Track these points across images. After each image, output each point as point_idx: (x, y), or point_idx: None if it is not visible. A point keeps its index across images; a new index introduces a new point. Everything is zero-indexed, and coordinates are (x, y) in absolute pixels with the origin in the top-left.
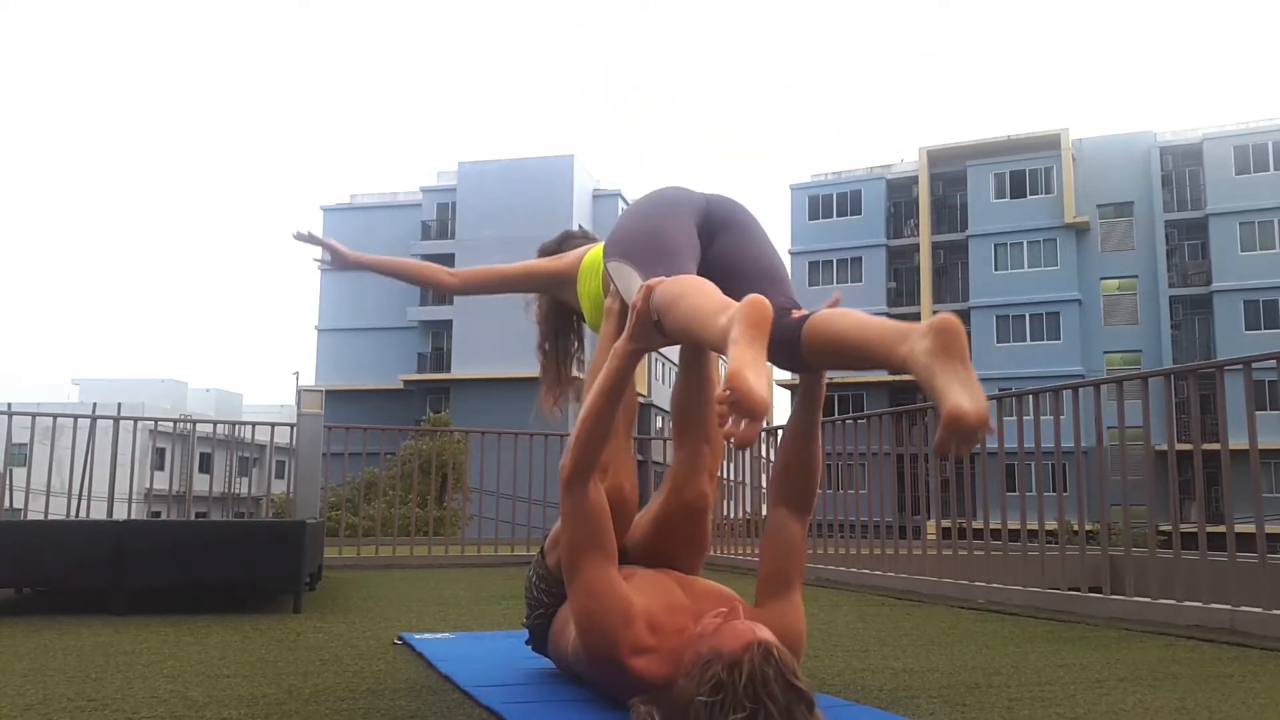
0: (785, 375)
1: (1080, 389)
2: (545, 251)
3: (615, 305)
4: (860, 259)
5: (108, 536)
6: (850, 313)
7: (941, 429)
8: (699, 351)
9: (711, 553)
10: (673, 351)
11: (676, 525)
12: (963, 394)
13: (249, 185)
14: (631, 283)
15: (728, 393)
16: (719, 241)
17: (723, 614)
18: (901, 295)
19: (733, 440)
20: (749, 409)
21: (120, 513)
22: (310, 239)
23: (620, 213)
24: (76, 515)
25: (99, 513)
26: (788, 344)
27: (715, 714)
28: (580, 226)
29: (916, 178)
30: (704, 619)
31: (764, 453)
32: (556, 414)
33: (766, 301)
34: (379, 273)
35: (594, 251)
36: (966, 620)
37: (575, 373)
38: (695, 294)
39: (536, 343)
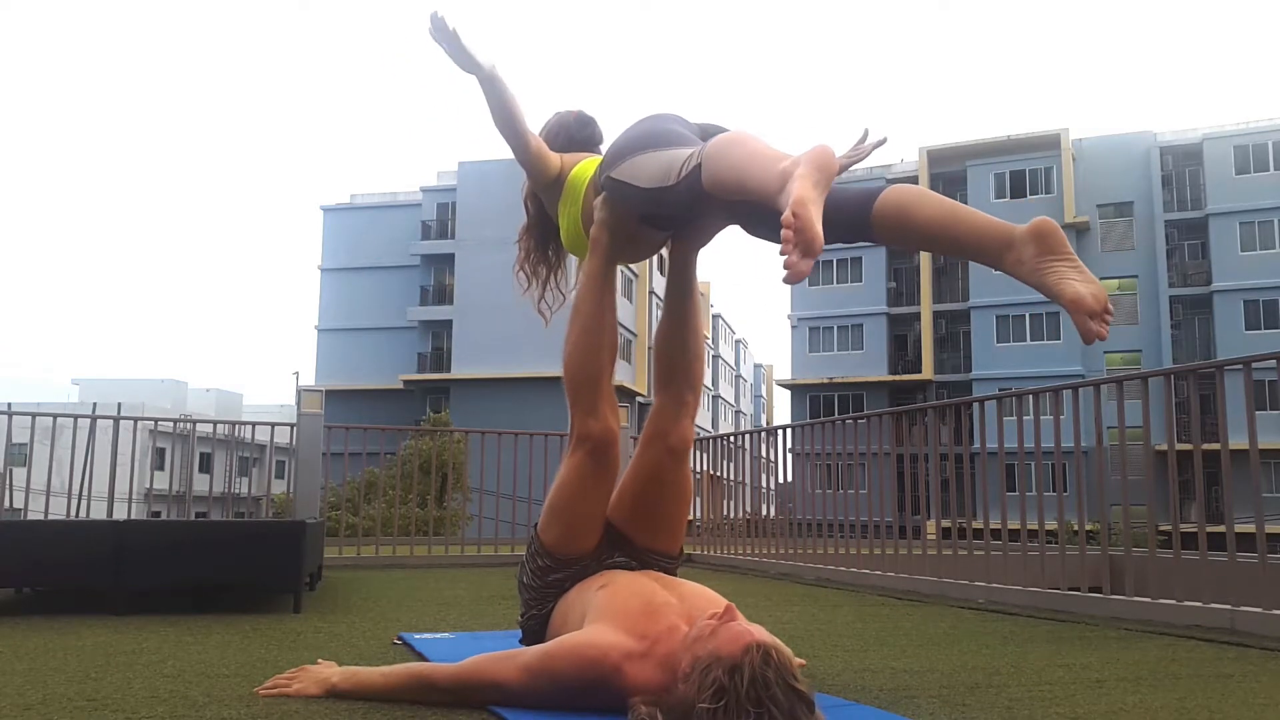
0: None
1: (1080, 389)
2: (561, 131)
3: (604, 238)
4: (860, 259)
5: (108, 536)
6: (936, 195)
7: (1074, 321)
8: (684, 294)
9: (711, 553)
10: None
11: (662, 471)
12: (1077, 284)
13: (249, 185)
14: (650, 165)
15: (794, 217)
16: None
17: (718, 615)
18: (901, 295)
19: (787, 270)
20: (808, 240)
21: (120, 513)
22: (444, 36)
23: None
24: (76, 515)
25: (99, 513)
26: (858, 204)
27: (718, 719)
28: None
29: (916, 178)
30: (698, 621)
31: (764, 453)
32: (525, 285)
33: (834, 151)
34: (486, 93)
35: (582, 166)
36: (966, 620)
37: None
38: (751, 141)
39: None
